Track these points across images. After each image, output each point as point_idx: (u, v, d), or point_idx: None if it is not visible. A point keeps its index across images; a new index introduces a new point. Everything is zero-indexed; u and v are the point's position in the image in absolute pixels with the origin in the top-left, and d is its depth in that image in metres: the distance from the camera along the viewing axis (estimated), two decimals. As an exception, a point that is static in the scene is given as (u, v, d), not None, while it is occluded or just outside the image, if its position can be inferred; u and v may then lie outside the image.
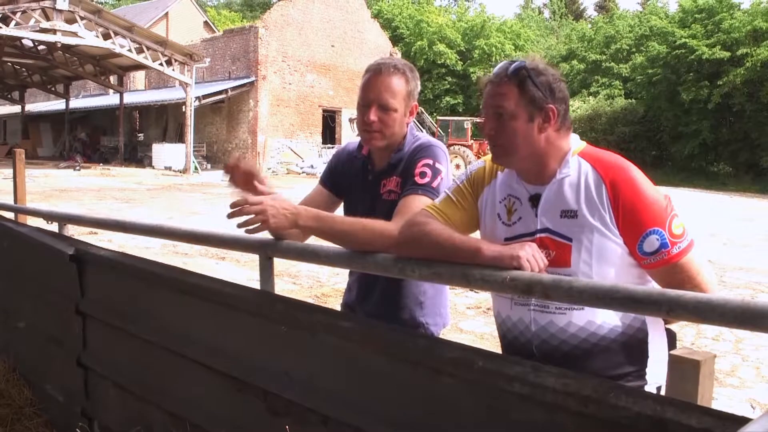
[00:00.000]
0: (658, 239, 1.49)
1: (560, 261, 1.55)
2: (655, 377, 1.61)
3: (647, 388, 1.58)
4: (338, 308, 2.39)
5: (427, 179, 1.90)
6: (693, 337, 5.43)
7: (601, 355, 1.56)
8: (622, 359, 1.58)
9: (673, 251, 1.50)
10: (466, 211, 1.72)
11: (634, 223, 1.50)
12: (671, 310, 1.17)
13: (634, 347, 1.58)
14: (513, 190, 1.66)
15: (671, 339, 1.69)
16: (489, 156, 1.78)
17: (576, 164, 1.58)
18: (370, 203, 2.07)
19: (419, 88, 2.07)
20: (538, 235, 1.59)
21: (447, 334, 2.29)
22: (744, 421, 1.01)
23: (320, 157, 29.23)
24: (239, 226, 1.79)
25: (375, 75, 1.96)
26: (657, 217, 1.50)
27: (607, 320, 1.56)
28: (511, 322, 1.66)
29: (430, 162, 1.93)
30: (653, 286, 1.57)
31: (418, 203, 1.83)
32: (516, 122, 1.56)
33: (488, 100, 1.61)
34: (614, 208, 1.51)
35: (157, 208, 13.77)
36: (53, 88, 34.88)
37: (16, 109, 37.51)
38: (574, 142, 1.64)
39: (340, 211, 2.23)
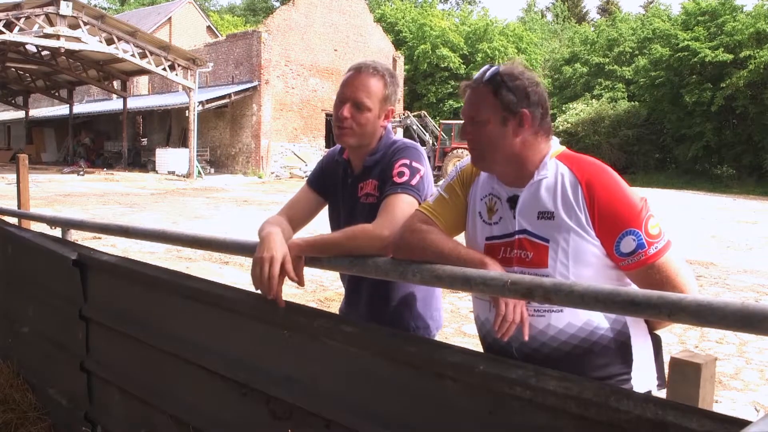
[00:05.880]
0: (634, 239, 1.50)
1: (537, 262, 1.57)
2: (642, 384, 1.60)
3: None
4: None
5: (405, 178, 1.91)
6: (697, 339, 5.42)
7: (583, 357, 1.56)
8: (605, 362, 1.57)
9: (650, 251, 1.51)
10: (457, 207, 1.74)
11: (610, 223, 1.51)
12: (672, 313, 1.16)
13: (617, 350, 1.58)
14: (494, 190, 1.69)
15: (657, 345, 1.68)
16: None
17: (553, 167, 1.60)
18: (350, 207, 2.09)
19: (398, 95, 2.09)
20: (516, 236, 1.61)
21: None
22: (744, 424, 1.01)
23: (323, 161, 29.20)
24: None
25: (354, 74, 2.00)
26: (633, 218, 1.51)
27: (587, 323, 1.56)
28: (490, 324, 1.65)
29: (407, 162, 1.95)
30: (633, 287, 1.57)
31: (400, 202, 1.85)
32: (489, 127, 1.60)
33: (465, 106, 1.66)
34: (590, 209, 1.52)
35: (161, 213, 13.79)
36: (57, 94, 34.99)
37: (20, 114, 37.60)
38: (554, 146, 1.65)
39: (324, 214, 2.25)
